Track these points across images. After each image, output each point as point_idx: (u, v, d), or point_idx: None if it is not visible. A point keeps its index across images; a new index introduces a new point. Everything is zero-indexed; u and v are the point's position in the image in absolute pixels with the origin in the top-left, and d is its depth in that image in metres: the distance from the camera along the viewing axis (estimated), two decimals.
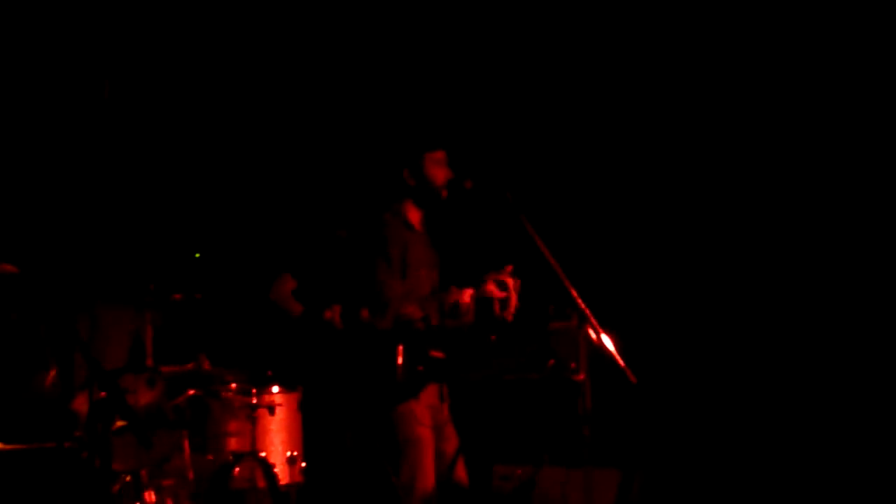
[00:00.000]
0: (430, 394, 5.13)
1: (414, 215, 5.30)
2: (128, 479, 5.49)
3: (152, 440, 5.16)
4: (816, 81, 6.66)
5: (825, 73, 6.65)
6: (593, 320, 4.81)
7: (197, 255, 6.90)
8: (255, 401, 6.20)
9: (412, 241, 5.24)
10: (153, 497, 5.66)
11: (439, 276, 5.40)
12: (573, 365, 4.88)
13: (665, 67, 6.91)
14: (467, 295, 4.95)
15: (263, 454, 6.13)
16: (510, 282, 4.99)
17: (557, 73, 7.09)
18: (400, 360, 4.93)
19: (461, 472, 5.21)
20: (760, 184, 6.80)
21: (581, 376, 4.86)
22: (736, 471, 6.51)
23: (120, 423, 5.19)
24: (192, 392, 6.17)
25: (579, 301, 4.80)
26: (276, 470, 6.09)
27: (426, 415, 5.10)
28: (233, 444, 6.18)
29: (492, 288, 4.91)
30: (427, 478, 5.05)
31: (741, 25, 6.75)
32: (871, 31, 6.53)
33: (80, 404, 5.56)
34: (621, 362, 4.87)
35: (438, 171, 5.25)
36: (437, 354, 5.02)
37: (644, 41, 6.92)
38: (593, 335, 4.82)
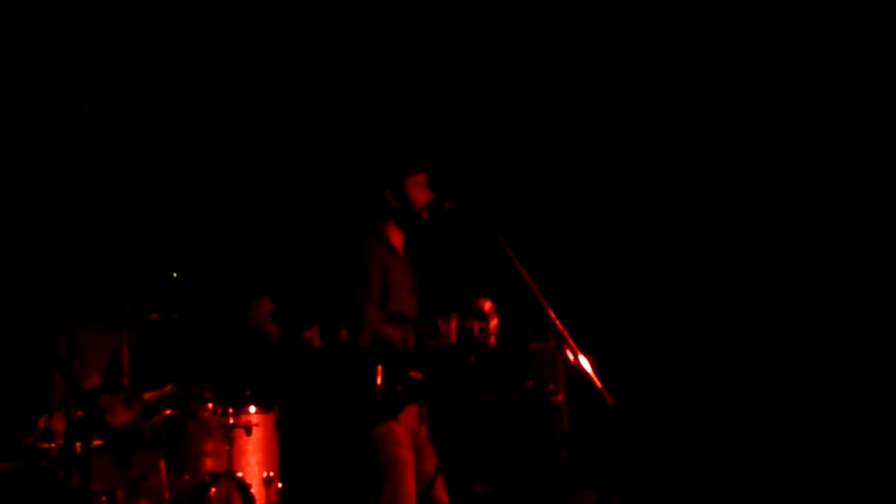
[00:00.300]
0: (409, 414, 5.13)
1: (396, 237, 5.33)
2: (103, 498, 5.48)
3: (130, 460, 5.14)
4: (816, 81, 6.72)
5: (825, 74, 6.71)
6: (570, 341, 4.84)
7: (174, 275, 6.89)
8: (231, 421, 6.19)
9: (393, 264, 5.26)
10: None
11: (417, 298, 5.42)
12: (551, 386, 4.89)
13: (645, 91, 6.96)
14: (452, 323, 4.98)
15: (240, 474, 6.12)
16: (487, 305, 5.01)
17: (535, 96, 7.13)
18: (379, 381, 4.94)
19: (441, 492, 5.21)
20: (740, 206, 6.86)
21: (559, 397, 4.89)
22: (714, 490, 6.54)
23: (97, 443, 5.17)
24: (168, 412, 6.16)
25: (557, 322, 4.83)
26: (252, 490, 6.07)
27: (406, 435, 5.10)
28: (209, 464, 6.16)
29: (473, 324, 4.95)
30: (407, 498, 5.05)
31: (740, 26, 6.79)
32: (871, 31, 6.60)
33: (57, 423, 5.55)
34: (598, 383, 4.90)
35: (419, 193, 5.27)
36: (416, 375, 5.02)
37: (625, 63, 6.97)
38: (571, 356, 4.85)
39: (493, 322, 4.97)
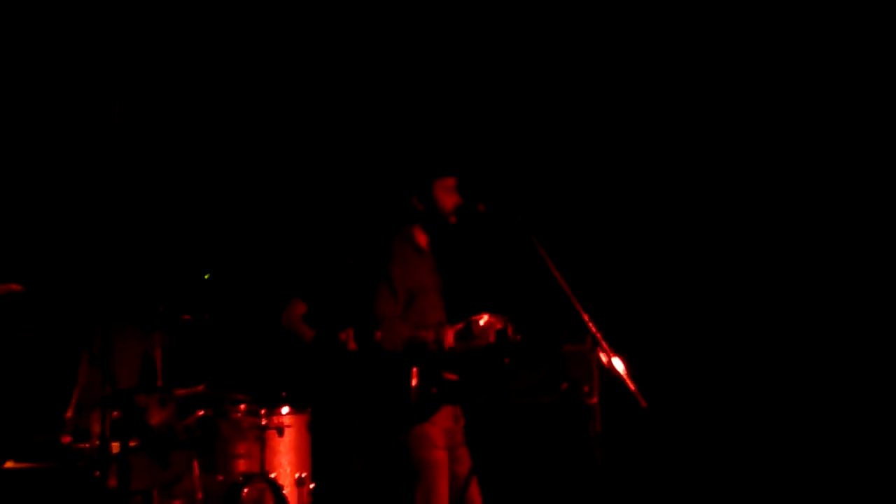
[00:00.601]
0: (444, 416, 5.15)
1: (422, 239, 5.35)
2: (139, 498, 5.50)
3: (168, 460, 5.17)
4: (817, 81, 6.72)
5: (825, 74, 6.71)
6: (604, 343, 4.84)
7: (206, 277, 6.92)
8: (264, 422, 6.22)
9: (418, 264, 5.28)
10: None
11: (443, 300, 5.44)
12: (586, 388, 4.89)
13: (682, 90, 6.95)
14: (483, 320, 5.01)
15: (273, 475, 6.14)
16: (483, 321, 5.06)
17: (569, 97, 7.13)
18: (414, 383, 4.95)
19: (475, 495, 5.22)
20: (770, 207, 6.86)
21: (594, 399, 4.89)
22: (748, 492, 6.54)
23: (133, 443, 5.21)
24: (201, 412, 6.18)
25: (590, 324, 4.84)
26: (284, 491, 6.09)
27: (440, 437, 5.12)
28: (242, 465, 6.18)
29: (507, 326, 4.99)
30: (441, 501, 5.06)
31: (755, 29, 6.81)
32: (871, 31, 6.59)
33: (92, 423, 5.59)
34: (632, 386, 4.90)
35: (448, 198, 5.28)
36: (451, 377, 5.03)
37: (660, 62, 6.96)
38: (604, 358, 4.86)
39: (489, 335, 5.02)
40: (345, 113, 7.37)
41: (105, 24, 6.97)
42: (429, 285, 5.34)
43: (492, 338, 5.08)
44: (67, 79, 6.95)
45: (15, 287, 5.72)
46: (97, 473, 5.22)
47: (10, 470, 5.28)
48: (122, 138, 6.88)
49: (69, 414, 5.69)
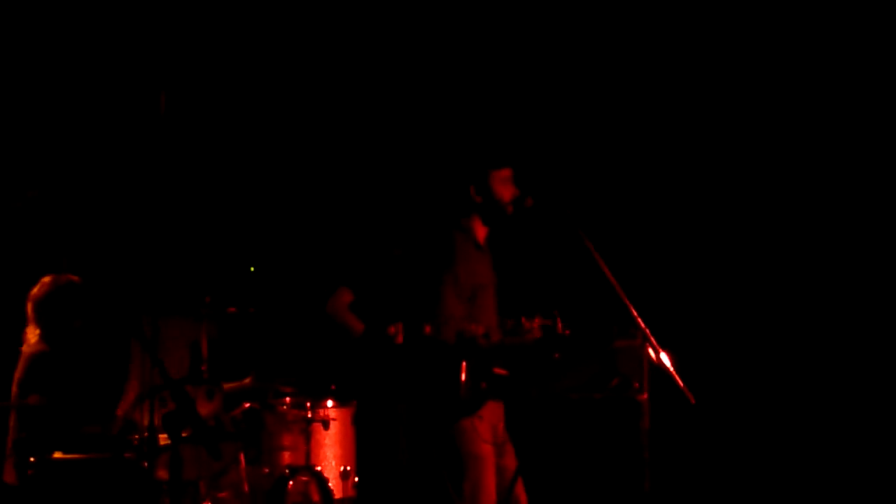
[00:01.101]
0: (491, 410, 5.14)
1: (481, 232, 5.31)
2: (188, 490, 5.52)
3: (220, 451, 5.18)
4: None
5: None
6: (653, 339, 4.81)
7: (252, 269, 6.93)
8: (309, 415, 6.23)
9: (478, 260, 5.26)
10: None
11: (497, 296, 5.42)
12: (636, 384, 4.86)
13: (731, 90, 6.92)
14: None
15: (318, 468, 6.15)
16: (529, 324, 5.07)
17: (623, 93, 7.09)
18: (463, 377, 4.93)
19: (520, 491, 5.21)
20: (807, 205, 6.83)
21: (644, 395, 4.85)
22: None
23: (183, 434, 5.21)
24: (247, 405, 6.20)
25: (639, 319, 4.81)
26: (330, 484, 6.11)
27: (488, 431, 5.11)
28: (287, 457, 6.20)
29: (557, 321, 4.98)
30: (489, 495, 5.04)
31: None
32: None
33: (138, 414, 5.61)
34: (680, 382, 4.87)
35: (504, 189, 5.24)
36: (501, 372, 5.02)
37: (710, 63, 6.93)
38: (653, 354, 4.82)
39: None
40: (398, 104, 7.35)
41: (152, 13, 6.99)
42: (487, 282, 5.32)
43: (538, 333, 5.07)
44: (116, 69, 6.97)
45: (73, 278, 5.76)
46: (145, 464, 5.23)
47: (58, 461, 5.30)
48: (169, 129, 6.90)
49: (120, 409, 5.71)
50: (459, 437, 5.06)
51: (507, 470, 5.22)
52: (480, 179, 5.24)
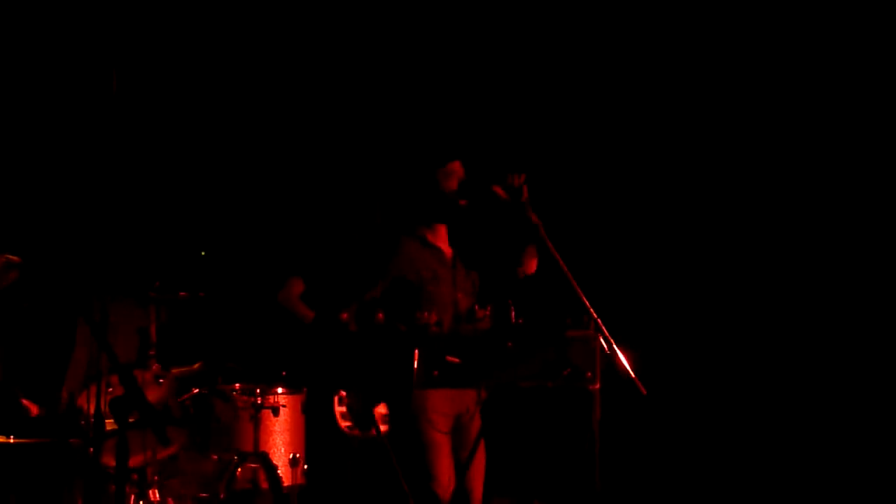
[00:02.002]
0: (449, 399, 5.18)
1: (438, 230, 5.38)
2: (134, 476, 5.46)
3: (169, 438, 5.13)
4: (820, 81, 6.70)
5: (827, 74, 6.69)
6: (605, 330, 4.84)
7: (203, 253, 6.85)
8: (259, 401, 6.17)
9: (438, 270, 5.30)
10: (157, 496, 5.64)
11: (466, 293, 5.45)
12: (588, 374, 4.86)
13: (685, 73, 6.93)
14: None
15: (267, 455, 6.10)
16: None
17: (576, 78, 7.08)
18: (415, 365, 4.92)
19: (478, 485, 5.25)
20: (765, 192, 6.85)
21: (596, 385, 4.86)
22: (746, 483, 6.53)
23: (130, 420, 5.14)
24: (196, 390, 6.14)
25: (592, 310, 4.83)
26: (279, 471, 6.06)
27: (442, 420, 5.14)
28: (236, 443, 6.14)
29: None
30: (441, 481, 5.08)
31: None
32: (871, 31, 6.58)
33: (84, 399, 5.53)
34: (632, 373, 4.90)
35: (451, 182, 5.31)
36: (453, 360, 5.00)
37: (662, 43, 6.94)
38: (605, 345, 4.85)
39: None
40: (354, 96, 7.31)
41: None
42: (438, 275, 5.34)
43: (490, 322, 5.10)
44: (64, 52, 6.86)
45: (13, 258, 5.66)
46: (91, 450, 5.16)
47: (2, 445, 5.22)
48: (120, 110, 6.81)
49: (65, 390, 5.64)
50: (412, 423, 5.10)
51: (469, 439, 5.28)
52: (429, 179, 5.29)
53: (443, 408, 5.18)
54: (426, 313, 5.08)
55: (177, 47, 7.14)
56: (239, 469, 5.93)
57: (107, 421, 5.13)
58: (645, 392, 4.93)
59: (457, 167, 5.39)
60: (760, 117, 6.87)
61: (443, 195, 5.35)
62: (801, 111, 6.80)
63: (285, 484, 6.09)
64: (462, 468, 5.20)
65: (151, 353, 5.96)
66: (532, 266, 5.36)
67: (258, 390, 6.20)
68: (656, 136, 7.01)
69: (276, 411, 6.20)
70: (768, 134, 6.86)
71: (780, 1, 6.76)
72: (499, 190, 5.16)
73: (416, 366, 4.92)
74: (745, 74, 6.86)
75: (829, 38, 6.69)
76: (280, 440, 6.24)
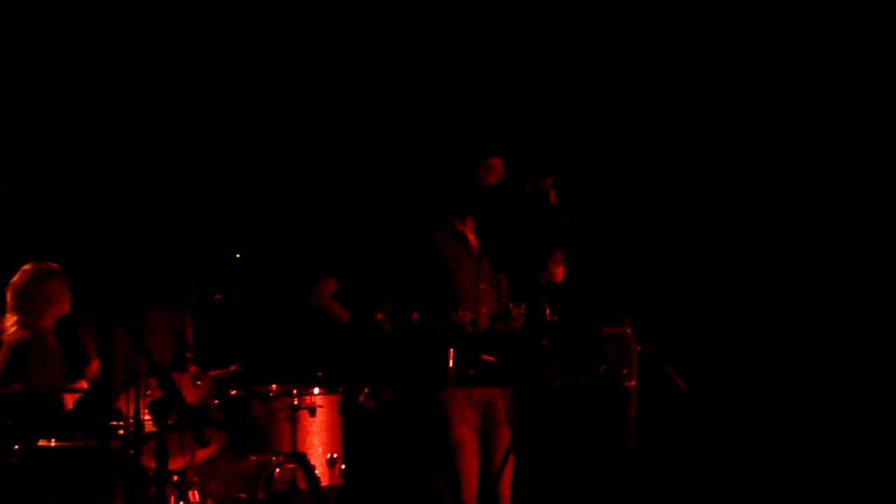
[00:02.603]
0: (481, 397, 5.19)
1: (468, 224, 5.38)
2: (174, 478, 5.50)
3: (207, 439, 5.16)
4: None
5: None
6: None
7: (237, 256, 6.90)
8: (296, 402, 6.20)
9: (463, 261, 5.31)
10: (197, 497, 5.67)
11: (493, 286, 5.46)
12: (625, 371, 4.86)
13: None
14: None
15: (304, 455, 6.13)
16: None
17: (609, 77, 7.08)
18: (451, 364, 4.92)
19: (506, 484, 5.26)
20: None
21: (632, 382, 4.86)
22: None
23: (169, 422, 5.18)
24: (234, 392, 6.17)
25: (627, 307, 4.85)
26: (316, 471, 6.08)
27: (475, 417, 5.16)
28: (274, 444, 6.18)
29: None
30: (467, 479, 5.11)
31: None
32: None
33: (122, 402, 5.57)
34: (671, 369, 4.90)
35: (490, 178, 5.32)
36: (488, 358, 5.01)
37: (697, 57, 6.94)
38: (640, 342, 4.87)
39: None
40: (386, 96, 7.32)
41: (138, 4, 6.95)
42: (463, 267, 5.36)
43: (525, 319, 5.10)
44: (104, 58, 6.92)
45: (54, 266, 5.73)
46: (131, 452, 5.20)
47: (43, 448, 5.27)
48: (156, 116, 6.87)
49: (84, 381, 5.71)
50: (444, 422, 5.12)
51: (499, 449, 5.29)
52: (469, 171, 5.31)
53: (466, 398, 5.19)
54: (461, 312, 5.09)
55: (209, 56, 7.19)
56: (277, 470, 5.96)
57: (147, 423, 5.20)
58: (685, 389, 4.93)
59: (499, 164, 5.41)
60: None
61: (481, 189, 5.35)
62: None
63: (323, 484, 6.12)
64: (492, 476, 5.21)
65: (188, 355, 5.99)
66: (559, 274, 5.34)
67: (295, 391, 6.23)
68: (697, 140, 6.99)
69: (312, 412, 6.22)
70: (781, 136, 6.84)
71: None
72: (528, 187, 5.18)
73: (450, 365, 4.93)
74: (758, 76, 6.85)
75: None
76: (317, 440, 6.26)
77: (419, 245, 5.35)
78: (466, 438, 5.18)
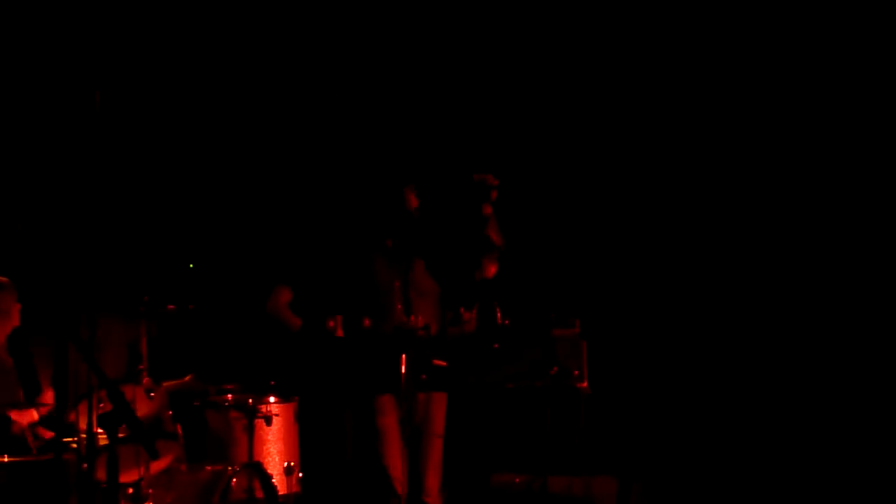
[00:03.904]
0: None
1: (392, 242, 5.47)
2: (129, 491, 5.47)
3: (158, 451, 5.13)
4: (817, 81, 6.72)
5: (825, 73, 6.71)
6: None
7: (191, 266, 6.88)
8: (252, 411, 6.18)
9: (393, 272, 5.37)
10: None
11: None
12: (576, 372, 4.90)
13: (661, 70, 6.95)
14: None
15: (261, 464, 6.11)
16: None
17: (554, 72, 7.11)
18: (403, 369, 4.94)
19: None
20: (750, 188, 6.86)
21: (584, 384, 4.90)
22: (734, 477, 6.52)
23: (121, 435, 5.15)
24: (189, 403, 6.15)
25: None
26: (273, 480, 6.07)
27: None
28: (230, 454, 6.16)
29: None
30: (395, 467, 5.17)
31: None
32: (871, 31, 6.60)
33: (79, 415, 5.54)
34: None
35: (414, 200, 5.42)
36: (440, 363, 5.04)
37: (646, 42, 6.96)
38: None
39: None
40: (329, 109, 7.34)
41: (87, 11, 6.91)
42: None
43: (477, 323, 5.13)
44: (50, 68, 6.88)
45: (2, 279, 5.69)
46: (84, 466, 5.17)
47: None
48: (105, 127, 6.83)
49: (51, 407, 5.66)
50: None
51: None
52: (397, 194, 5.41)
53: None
54: (413, 317, 5.11)
55: (159, 64, 7.16)
56: (234, 479, 5.94)
57: (99, 436, 5.17)
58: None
59: (412, 190, 5.52)
60: (759, 116, 6.89)
61: (406, 213, 5.43)
62: (800, 111, 6.82)
63: (281, 493, 6.11)
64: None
65: (142, 367, 5.96)
66: (490, 270, 5.39)
67: (250, 400, 6.22)
68: (658, 136, 7.01)
69: (268, 421, 6.21)
70: (768, 133, 6.88)
71: (780, 1, 6.79)
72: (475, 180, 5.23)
73: (404, 370, 4.94)
74: (743, 74, 6.89)
75: (829, 38, 6.71)
76: (274, 449, 6.25)
77: (361, 268, 5.42)
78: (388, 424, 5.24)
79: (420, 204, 5.47)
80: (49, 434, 5.66)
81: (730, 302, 6.73)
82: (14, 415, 5.57)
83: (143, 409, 5.66)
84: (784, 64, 6.79)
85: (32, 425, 5.61)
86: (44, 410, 5.67)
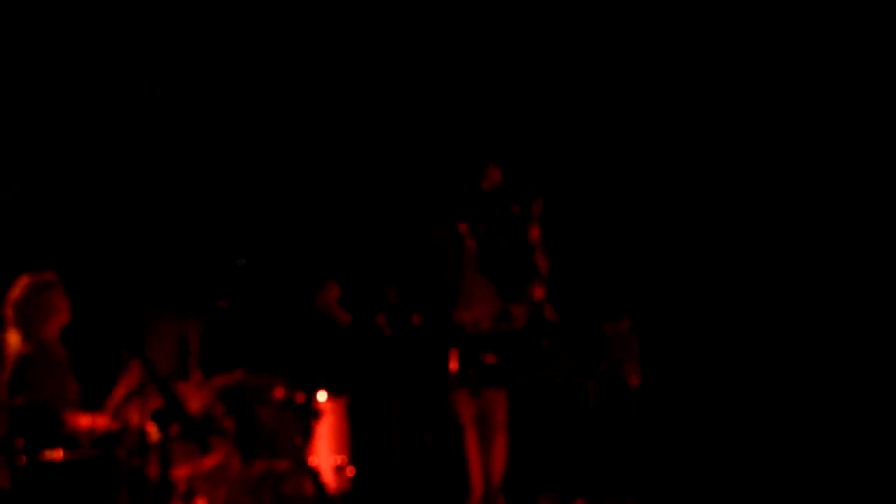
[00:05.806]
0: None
1: (463, 229, 5.40)
2: (181, 486, 5.49)
3: (210, 446, 5.16)
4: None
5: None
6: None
7: (241, 262, 6.89)
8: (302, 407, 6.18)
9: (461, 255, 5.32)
10: None
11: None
12: (626, 369, 4.86)
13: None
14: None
15: (311, 461, 6.12)
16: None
17: (609, 77, 7.07)
18: (453, 366, 4.93)
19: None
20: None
21: (635, 380, 4.85)
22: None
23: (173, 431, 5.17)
24: (240, 399, 6.17)
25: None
26: (323, 478, 6.07)
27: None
28: (281, 450, 6.16)
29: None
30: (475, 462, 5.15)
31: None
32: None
33: (130, 411, 5.57)
34: None
35: (487, 184, 5.35)
36: (490, 359, 5.01)
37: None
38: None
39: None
40: (389, 103, 7.33)
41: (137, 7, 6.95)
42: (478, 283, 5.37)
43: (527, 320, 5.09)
44: (103, 64, 6.92)
45: (51, 276, 5.71)
46: (137, 462, 5.20)
47: (48, 460, 5.27)
48: (157, 123, 6.87)
49: (111, 405, 5.68)
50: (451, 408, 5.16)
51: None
52: (470, 176, 5.35)
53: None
54: (462, 313, 5.09)
55: (212, 59, 7.19)
56: (284, 476, 5.95)
57: (152, 432, 5.19)
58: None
59: (496, 172, 5.43)
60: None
61: (479, 194, 5.36)
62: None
63: (330, 490, 6.11)
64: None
65: (192, 362, 5.99)
66: (538, 294, 5.33)
67: (301, 396, 6.21)
68: (709, 131, 6.97)
69: (317, 416, 6.20)
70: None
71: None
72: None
73: (453, 366, 4.93)
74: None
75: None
76: (325, 446, 6.25)
77: (419, 245, 5.36)
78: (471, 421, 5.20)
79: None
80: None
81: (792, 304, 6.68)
82: (72, 419, 5.58)
83: (193, 404, 5.68)
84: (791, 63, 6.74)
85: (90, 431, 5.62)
86: (102, 420, 5.66)
